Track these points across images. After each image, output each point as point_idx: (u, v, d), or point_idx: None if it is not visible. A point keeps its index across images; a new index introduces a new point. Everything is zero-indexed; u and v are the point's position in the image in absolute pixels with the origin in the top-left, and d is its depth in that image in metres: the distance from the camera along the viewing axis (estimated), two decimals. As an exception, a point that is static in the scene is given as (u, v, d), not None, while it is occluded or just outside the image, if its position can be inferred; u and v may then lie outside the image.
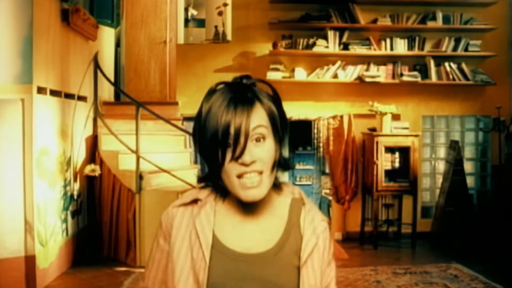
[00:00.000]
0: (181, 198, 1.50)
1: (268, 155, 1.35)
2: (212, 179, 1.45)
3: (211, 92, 1.48)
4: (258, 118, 1.35)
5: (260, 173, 1.35)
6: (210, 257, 1.37)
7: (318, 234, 1.43)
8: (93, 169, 6.08)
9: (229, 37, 7.93)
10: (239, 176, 1.34)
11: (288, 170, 1.51)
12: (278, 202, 1.48)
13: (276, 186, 1.47)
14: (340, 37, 7.41)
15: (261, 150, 1.35)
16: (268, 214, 1.45)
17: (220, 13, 8.45)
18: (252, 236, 1.42)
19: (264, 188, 1.36)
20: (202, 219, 1.42)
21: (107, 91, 7.20)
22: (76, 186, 6.01)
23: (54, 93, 5.39)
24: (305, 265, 1.41)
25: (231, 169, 1.34)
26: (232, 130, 1.32)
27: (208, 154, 1.39)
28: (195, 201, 1.46)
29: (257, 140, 1.34)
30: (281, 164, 1.44)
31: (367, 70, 7.46)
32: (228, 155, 1.34)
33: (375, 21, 7.49)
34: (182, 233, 1.42)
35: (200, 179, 1.52)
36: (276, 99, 1.43)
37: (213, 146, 1.36)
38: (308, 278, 1.40)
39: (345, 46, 7.42)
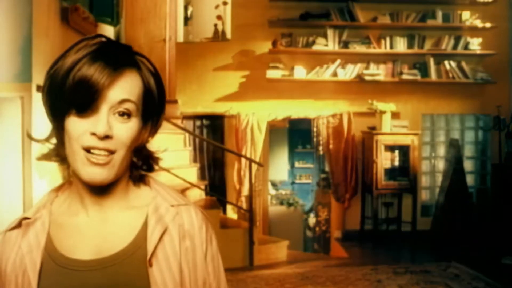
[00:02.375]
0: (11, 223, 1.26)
1: (128, 136, 1.14)
2: (58, 153, 1.23)
3: (79, 44, 1.21)
4: (128, 90, 1.14)
5: (112, 152, 1.12)
6: (39, 279, 1.15)
7: (165, 223, 1.19)
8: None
9: (228, 35, 7.90)
10: (87, 150, 1.11)
11: (150, 168, 1.30)
12: (137, 193, 1.25)
13: (137, 178, 1.26)
14: (340, 36, 7.41)
15: (122, 128, 1.12)
16: (122, 206, 1.21)
17: (219, 17, 8.43)
18: (101, 237, 1.18)
19: (113, 170, 1.13)
20: (30, 237, 1.19)
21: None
22: (75, 185, 6.00)
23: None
24: (153, 260, 1.15)
25: (78, 138, 1.11)
26: (92, 90, 1.09)
27: (54, 115, 1.17)
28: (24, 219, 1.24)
29: (121, 114, 1.12)
30: (142, 155, 1.24)
31: (366, 68, 7.45)
32: (82, 123, 1.11)
33: (374, 19, 7.48)
34: (11, 264, 1.18)
35: (41, 156, 1.32)
36: (156, 75, 1.22)
37: (61, 105, 1.13)
38: (161, 276, 1.15)
39: (345, 45, 7.41)
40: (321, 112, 7.60)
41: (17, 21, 4.77)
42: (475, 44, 7.51)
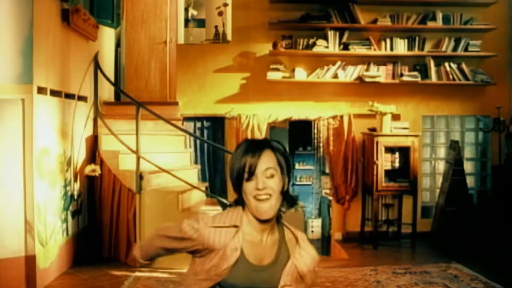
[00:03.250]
0: (219, 219, 2.11)
1: (275, 185, 2.02)
2: (239, 201, 2.11)
3: (238, 147, 2.14)
4: (268, 161, 2.03)
5: (270, 195, 2.01)
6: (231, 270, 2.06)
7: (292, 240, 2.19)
8: (93, 169, 6.09)
9: (229, 37, 7.93)
10: (255, 197, 2.01)
11: (293, 206, 2.16)
12: (277, 227, 2.15)
13: (279, 217, 2.15)
14: (340, 37, 7.42)
15: (270, 182, 2.02)
16: (272, 233, 2.11)
17: (220, 13, 8.45)
18: (263, 252, 2.09)
19: (273, 206, 2.02)
20: (235, 240, 2.05)
21: (107, 91, 7.20)
22: (76, 186, 6.01)
23: (54, 93, 5.39)
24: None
25: (250, 191, 2.01)
26: (251, 168, 2.02)
27: (236, 184, 2.07)
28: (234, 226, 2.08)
29: (268, 177, 2.02)
30: (287, 198, 2.10)
31: (367, 70, 7.46)
32: (250, 184, 2.02)
33: (375, 21, 7.50)
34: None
35: (232, 202, 2.17)
36: (284, 151, 2.11)
37: (238, 178, 2.05)
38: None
39: (345, 46, 7.42)
40: (321, 113, 7.60)
41: (18, 23, 4.78)
42: (475, 46, 7.52)
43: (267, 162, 2.02)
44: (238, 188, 2.07)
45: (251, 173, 2.01)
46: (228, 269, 2.03)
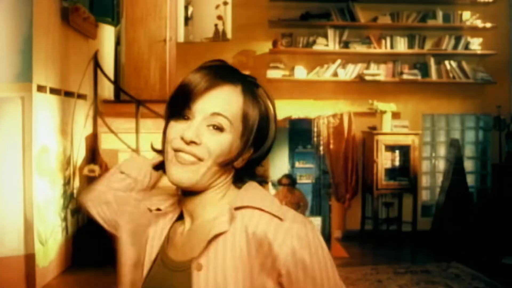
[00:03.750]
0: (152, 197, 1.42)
1: (215, 147, 1.19)
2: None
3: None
4: (224, 104, 1.20)
5: (198, 159, 1.19)
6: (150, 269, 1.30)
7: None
8: (91, 169, 6.06)
9: (229, 35, 7.91)
10: (174, 151, 1.20)
11: (259, 181, 1.31)
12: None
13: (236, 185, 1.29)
14: (340, 36, 7.41)
15: (211, 138, 1.19)
16: (208, 219, 1.25)
17: (219, 17, 8.43)
18: (191, 244, 1.26)
19: (197, 175, 1.19)
20: (157, 227, 1.35)
21: (107, 90, 7.18)
22: (76, 185, 6.00)
23: (54, 91, 5.38)
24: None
25: (171, 140, 1.22)
26: (189, 97, 1.20)
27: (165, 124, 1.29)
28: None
29: (214, 127, 1.19)
30: (248, 172, 1.29)
31: (367, 68, 7.45)
32: (177, 126, 1.22)
33: (375, 19, 7.48)
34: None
35: (157, 166, 1.38)
36: (267, 105, 1.32)
37: (168, 111, 1.26)
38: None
39: (345, 45, 7.41)
40: (321, 112, 7.59)
41: (17, 21, 4.77)
42: (475, 44, 7.51)
43: (220, 103, 1.19)
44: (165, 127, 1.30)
45: (185, 108, 1.20)
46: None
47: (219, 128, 1.19)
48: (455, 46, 7.51)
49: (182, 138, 1.18)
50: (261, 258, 1.16)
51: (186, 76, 1.23)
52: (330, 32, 7.37)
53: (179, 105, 1.21)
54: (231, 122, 1.19)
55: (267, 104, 1.32)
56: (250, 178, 1.29)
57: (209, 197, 1.25)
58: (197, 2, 7.89)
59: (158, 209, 1.34)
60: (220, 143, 1.19)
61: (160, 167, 1.34)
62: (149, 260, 1.30)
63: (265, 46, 7.48)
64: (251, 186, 1.27)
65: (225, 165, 1.22)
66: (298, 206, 7.82)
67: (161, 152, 1.31)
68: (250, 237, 1.17)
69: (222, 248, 1.18)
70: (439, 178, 7.64)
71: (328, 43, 7.39)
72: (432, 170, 7.91)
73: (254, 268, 1.16)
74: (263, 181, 1.32)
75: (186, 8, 7.92)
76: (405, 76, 7.44)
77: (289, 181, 7.58)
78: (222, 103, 1.20)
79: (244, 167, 1.27)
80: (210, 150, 1.18)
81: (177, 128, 1.21)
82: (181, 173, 1.19)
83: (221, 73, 1.24)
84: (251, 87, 1.26)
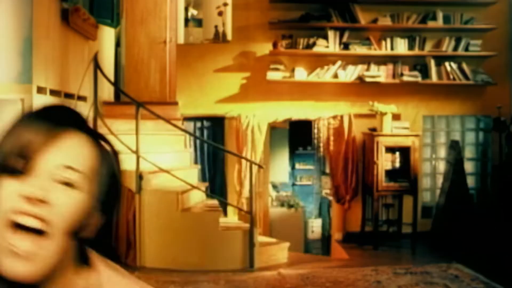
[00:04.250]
0: None
1: (70, 209, 0.90)
2: None
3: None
4: (72, 156, 0.93)
5: (46, 223, 0.87)
6: None
7: None
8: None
9: (229, 37, 7.92)
10: (12, 225, 0.87)
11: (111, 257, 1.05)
12: None
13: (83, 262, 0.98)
14: (341, 37, 7.41)
15: (64, 198, 0.90)
16: None
17: (220, 13, 8.44)
18: None
19: (43, 260, 0.88)
20: None
21: (107, 91, 7.19)
22: (76, 186, 5.99)
23: (54, 92, 5.38)
24: None
25: (5, 203, 0.88)
26: (29, 147, 0.90)
27: None
28: None
29: (63, 184, 0.90)
30: (96, 242, 0.98)
31: (367, 70, 7.45)
32: (12, 185, 0.89)
33: (375, 21, 7.48)
34: None
35: None
36: (117, 161, 1.02)
37: None
38: None
39: (346, 46, 7.41)
40: (321, 113, 7.59)
41: (17, 23, 4.77)
42: (475, 46, 7.51)
43: (69, 154, 0.92)
44: None
45: (22, 160, 0.89)
46: None
47: (70, 185, 0.91)
48: (455, 48, 7.51)
49: (23, 197, 0.87)
50: None
51: (17, 121, 0.98)
52: (330, 34, 7.37)
53: (12, 157, 0.90)
54: (84, 179, 0.93)
55: (116, 159, 1.03)
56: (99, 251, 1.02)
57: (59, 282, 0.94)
58: (197, 3, 7.89)
59: None
60: (73, 204, 0.91)
61: None
62: None
63: (265, 48, 7.48)
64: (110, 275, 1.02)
65: (75, 236, 0.92)
66: None
67: None
68: None
69: None
70: (439, 180, 7.63)
71: (329, 45, 7.39)
72: (432, 171, 7.91)
73: None
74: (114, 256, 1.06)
75: (186, 9, 7.92)
76: (405, 78, 7.44)
77: None
78: (74, 155, 0.93)
79: (93, 240, 0.98)
80: (61, 211, 0.89)
81: (11, 187, 0.88)
82: (21, 264, 0.87)
83: (67, 118, 0.97)
84: (97, 137, 1.00)
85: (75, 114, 0.99)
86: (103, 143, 1.00)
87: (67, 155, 0.92)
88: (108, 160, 0.99)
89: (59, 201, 0.89)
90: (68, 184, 0.90)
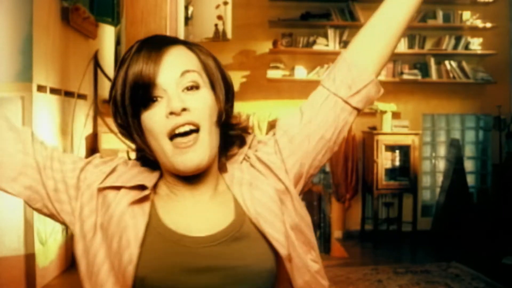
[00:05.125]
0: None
1: (204, 105, 1.11)
2: (144, 158, 1.21)
3: (124, 55, 1.20)
4: (186, 61, 1.12)
5: (196, 127, 1.09)
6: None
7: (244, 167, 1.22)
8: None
9: (229, 35, 7.90)
10: (171, 137, 1.08)
11: (243, 142, 1.24)
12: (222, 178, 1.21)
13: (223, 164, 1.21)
14: (341, 36, 7.41)
15: (195, 98, 1.10)
16: (211, 195, 1.18)
17: (219, 17, 8.43)
18: (205, 217, 1.15)
19: (204, 149, 1.09)
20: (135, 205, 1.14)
21: (107, 89, 7.15)
22: (76, 185, 5.99)
23: (54, 91, 5.38)
24: (257, 218, 1.13)
25: (159, 127, 1.09)
26: (150, 77, 1.09)
27: (127, 122, 1.17)
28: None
29: (189, 88, 1.11)
30: (230, 132, 1.20)
31: (367, 68, 7.44)
32: (154, 112, 1.09)
33: (375, 19, 7.47)
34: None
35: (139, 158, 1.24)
36: (212, 55, 1.21)
37: (128, 107, 1.13)
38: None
39: (346, 45, 7.38)
40: (321, 112, 7.58)
41: (17, 21, 4.77)
42: (475, 44, 7.51)
43: (181, 62, 1.11)
44: (131, 131, 1.18)
45: (150, 88, 1.09)
46: (138, 248, 1.07)
47: (195, 86, 1.12)
48: (455, 46, 7.51)
49: (170, 114, 1.08)
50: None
51: (128, 65, 1.14)
52: (331, 32, 7.38)
53: (142, 91, 1.10)
54: (201, 76, 1.13)
55: (214, 57, 1.22)
56: (235, 132, 1.23)
57: (213, 167, 1.17)
58: (197, 2, 7.89)
59: (142, 187, 1.16)
60: (204, 100, 1.12)
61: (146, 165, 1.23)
62: (135, 244, 1.08)
63: (265, 46, 7.48)
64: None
65: (217, 122, 1.15)
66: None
67: (141, 158, 1.25)
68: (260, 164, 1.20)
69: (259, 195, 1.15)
70: (439, 178, 7.64)
71: (329, 43, 7.39)
72: (432, 170, 7.91)
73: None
74: (245, 131, 1.25)
75: (186, 8, 7.91)
76: (405, 76, 7.44)
77: None
78: (182, 61, 1.13)
79: (226, 122, 1.19)
80: (201, 111, 1.10)
81: (155, 113, 1.10)
82: (193, 157, 1.09)
83: (161, 41, 1.16)
84: (191, 44, 1.21)
85: (166, 37, 1.20)
86: (191, 43, 1.20)
87: (180, 62, 1.11)
88: (208, 55, 1.19)
89: (195, 103, 1.10)
90: (194, 86, 1.12)
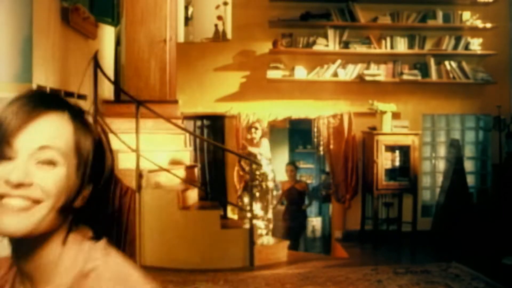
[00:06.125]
0: None
1: (54, 186, 0.98)
2: None
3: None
4: (52, 135, 1.00)
5: (35, 201, 0.97)
6: None
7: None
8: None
9: (229, 35, 7.90)
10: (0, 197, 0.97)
11: (97, 238, 1.09)
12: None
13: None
14: (340, 36, 7.41)
15: (44, 175, 0.98)
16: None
17: (219, 18, 8.43)
18: None
19: (33, 219, 0.96)
20: None
21: (107, 90, 7.18)
22: (76, 185, 5.99)
23: (54, 91, 5.38)
24: None
25: None
26: (6, 133, 0.98)
27: None
28: None
29: (45, 163, 0.98)
30: (83, 217, 1.06)
31: (367, 68, 7.45)
32: None
33: (375, 19, 7.48)
34: None
35: None
36: (97, 133, 1.11)
37: None
38: None
39: (345, 45, 7.41)
40: (321, 112, 7.59)
41: (17, 22, 4.77)
42: (475, 44, 7.51)
43: (47, 134, 1.00)
44: None
45: (4, 146, 0.98)
46: None
47: (51, 163, 0.99)
48: (455, 46, 7.51)
49: (7, 182, 0.96)
50: None
51: (6, 108, 1.01)
52: (330, 32, 7.37)
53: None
54: (63, 155, 1.00)
55: (98, 132, 1.11)
56: (91, 222, 1.09)
57: (52, 252, 1.02)
58: (197, 2, 7.88)
59: None
60: (55, 180, 0.98)
61: None
62: None
63: (265, 46, 7.48)
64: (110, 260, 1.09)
65: (65, 208, 1.01)
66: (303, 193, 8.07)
67: None
68: None
69: None
70: (439, 178, 7.64)
71: (328, 43, 7.39)
72: (432, 170, 7.91)
73: None
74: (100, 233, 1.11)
75: (186, 8, 7.91)
76: (405, 76, 7.44)
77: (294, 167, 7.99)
78: (49, 134, 1.00)
79: (84, 209, 1.06)
80: (46, 189, 0.97)
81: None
82: (14, 221, 0.96)
83: (42, 100, 1.03)
84: (78, 113, 1.09)
85: (52, 96, 1.08)
86: (86, 117, 1.09)
87: (46, 135, 0.99)
88: (89, 133, 1.07)
89: (43, 181, 0.97)
90: (50, 162, 0.98)
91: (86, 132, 1.07)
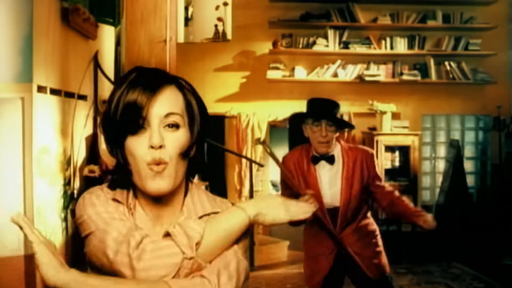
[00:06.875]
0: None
1: (178, 145, 1.34)
2: (124, 176, 1.38)
3: (122, 79, 1.39)
4: (173, 104, 1.34)
5: (165, 163, 1.31)
6: None
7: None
8: (92, 170, 6.05)
9: (229, 36, 7.90)
10: (150, 163, 1.30)
11: (195, 174, 1.51)
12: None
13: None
14: (340, 36, 7.41)
15: (172, 137, 1.33)
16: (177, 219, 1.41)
17: (219, 19, 8.43)
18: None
19: (170, 179, 1.32)
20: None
21: (107, 90, 7.17)
22: (76, 185, 5.99)
23: (54, 92, 5.37)
24: None
25: (141, 156, 1.30)
26: (141, 110, 1.30)
27: (115, 142, 1.36)
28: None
29: (169, 126, 1.33)
30: (191, 164, 1.43)
31: (367, 69, 7.45)
32: (138, 140, 1.31)
33: (375, 20, 7.49)
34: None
35: (112, 183, 1.44)
36: (196, 93, 1.45)
37: (117, 130, 1.33)
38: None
39: (345, 45, 7.41)
40: (321, 112, 7.58)
41: (17, 22, 4.77)
42: (475, 45, 7.51)
43: (169, 104, 1.32)
44: (116, 148, 1.38)
45: (140, 120, 1.29)
46: None
47: (176, 126, 1.33)
48: (455, 47, 7.52)
49: (151, 147, 1.29)
50: None
51: (124, 90, 1.32)
52: (330, 33, 7.38)
53: (131, 118, 1.29)
54: (182, 117, 1.35)
55: (198, 95, 1.46)
56: (199, 167, 1.51)
57: (177, 197, 1.41)
58: (197, 2, 7.89)
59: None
60: (178, 139, 1.33)
61: (117, 184, 1.42)
62: None
63: (265, 47, 7.48)
64: (199, 191, 1.53)
65: (184, 156, 1.36)
66: None
67: (117, 172, 1.41)
68: None
69: None
70: (439, 179, 7.64)
71: (328, 44, 7.39)
72: (432, 170, 7.92)
73: None
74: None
75: (186, 8, 7.91)
76: (405, 77, 7.44)
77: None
78: (170, 103, 1.33)
79: (193, 156, 1.42)
80: (172, 149, 1.32)
81: (139, 141, 1.31)
82: (162, 183, 1.31)
83: (157, 77, 1.36)
84: (182, 84, 1.41)
85: (162, 72, 1.40)
86: (179, 82, 1.40)
87: (168, 104, 1.32)
88: (193, 97, 1.42)
89: (170, 142, 1.31)
90: (174, 125, 1.33)
91: (191, 96, 1.41)
